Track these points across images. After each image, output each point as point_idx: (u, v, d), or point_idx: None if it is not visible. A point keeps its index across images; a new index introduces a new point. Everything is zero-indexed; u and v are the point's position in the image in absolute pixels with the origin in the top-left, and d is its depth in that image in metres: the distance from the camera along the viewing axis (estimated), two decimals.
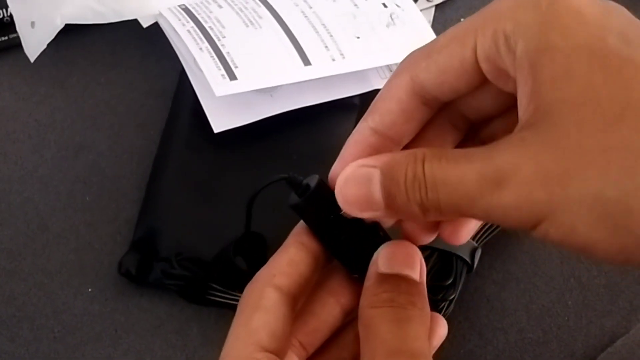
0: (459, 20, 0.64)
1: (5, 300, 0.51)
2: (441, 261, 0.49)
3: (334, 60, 0.54)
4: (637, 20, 0.27)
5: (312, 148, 0.56)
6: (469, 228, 0.32)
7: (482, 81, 0.29)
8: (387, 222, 0.33)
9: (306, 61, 0.53)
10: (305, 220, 0.32)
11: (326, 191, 0.32)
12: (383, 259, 0.31)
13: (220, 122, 0.52)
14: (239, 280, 0.45)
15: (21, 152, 0.56)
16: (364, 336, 0.30)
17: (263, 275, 0.31)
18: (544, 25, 0.26)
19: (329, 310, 0.33)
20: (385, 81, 0.58)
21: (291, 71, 0.53)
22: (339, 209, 0.30)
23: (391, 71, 0.58)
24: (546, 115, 0.25)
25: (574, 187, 0.25)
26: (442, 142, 0.33)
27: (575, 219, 0.25)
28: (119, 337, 0.50)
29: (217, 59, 0.51)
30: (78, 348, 0.50)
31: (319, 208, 0.31)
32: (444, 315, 0.49)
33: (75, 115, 0.58)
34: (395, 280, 0.30)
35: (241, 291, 0.32)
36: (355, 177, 0.29)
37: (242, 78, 0.51)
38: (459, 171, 0.26)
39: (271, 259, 0.32)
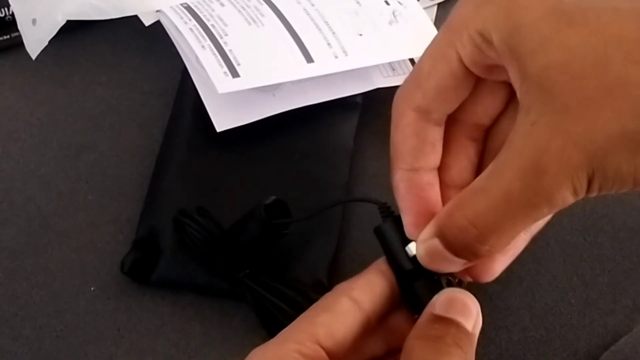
0: None
1: (7, 299, 0.51)
2: None
3: (336, 57, 0.54)
4: None
5: (314, 147, 0.56)
6: (502, 262, 0.34)
7: (476, 83, 0.31)
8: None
9: (309, 58, 0.53)
10: (382, 246, 0.34)
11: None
12: (441, 302, 0.31)
13: (222, 121, 0.52)
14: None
15: (23, 151, 0.56)
16: None
17: (342, 286, 0.32)
18: (506, 11, 0.28)
19: (377, 339, 0.34)
20: (387, 80, 0.59)
21: (294, 68, 0.53)
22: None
23: (394, 69, 0.58)
24: (539, 87, 0.27)
25: (600, 135, 0.26)
26: (466, 157, 0.34)
27: (617, 160, 0.26)
28: (121, 336, 0.50)
29: (219, 57, 0.51)
30: (80, 347, 0.49)
31: (396, 237, 0.33)
32: None
33: (77, 114, 0.58)
34: (448, 323, 0.31)
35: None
36: (427, 253, 0.31)
37: (244, 75, 0.51)
38: (499, 190, 0.28)
39: (351, 278, 0.33)
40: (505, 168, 0.27)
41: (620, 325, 0.51)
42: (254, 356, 0.31)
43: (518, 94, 0.28)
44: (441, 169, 0.34)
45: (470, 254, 0.29)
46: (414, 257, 0.32)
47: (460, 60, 0.30)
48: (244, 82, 0.51)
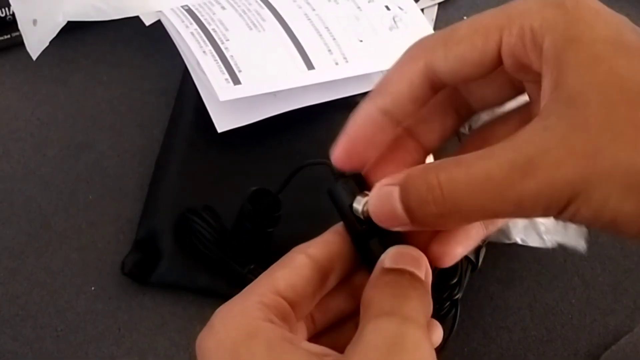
0: (462, 19, 0.64)
1: (8, 299, 0.51)
2: None
3: (337, 64, 0.54)
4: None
5: (315, 147, 0.56)
6: (458, 252, 0.33)
7: (494, 69, 0.30)
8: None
9: (310, 65, 0.53)
10: (336, 208, 0.34)
11: (358, 186, 0.33)
12: (390, 256, 0.32)
13: (223, 122, 0.52)
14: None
15: (23, 151, 0.56)
16: (362, 312, 0.30)
17: (298, 247, 0.33)
18: (570, 21, 0.28)
19: (344, 297, 0.34)
20: None
21: (295, 75, 0.53)
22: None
23: None
24: (570, 100, 0.27)
25: (604, 161, 0.25)
26: (442, 125, 0.34)
27: (607, 193, 0.26)
28: (122, 335, 0.50)
29: (220, 63, 0.51)
30: (81, 347, 0.49)
31: (348, 198, 0.33)
32: (448, 315, 0.49)
33: (77, 114, 0.58)
34: (400, 273, 0.31)
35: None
36: (379, 196, 0.30)
37: (245, 82, 0.51)
38: (482, 169, 0.27)
39: (308, 241, 0.34)
40: (498, 153, 0.27)
41: (621, 325, 0.51)
42: (220, 313, 0.31)
43: (543, 101, 0.28)
44: (414, 124, 0.34)
45: (419, 216, 0.29)
46: (367, 217, 0.32)
47: (499, 45, 0.29)
48: (245, 89, 0.51)
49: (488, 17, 0.30)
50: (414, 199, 0.29)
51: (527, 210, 0.27)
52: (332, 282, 0.33)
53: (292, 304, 0.31)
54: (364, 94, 0.56)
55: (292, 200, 0.49)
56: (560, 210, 0.26)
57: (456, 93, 0.34)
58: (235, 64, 0.51)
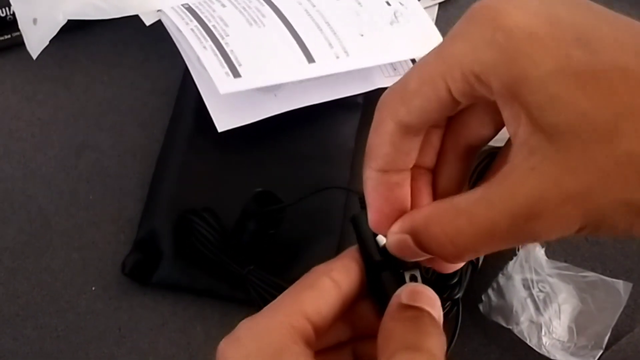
0: None
1: (9, 298, 0.51)
2: None
3: (338, 57, 0.54)
4: (580, 1, 0.28)
5: (315, 147, 0.56)
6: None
7: (461, 107, 0.31)
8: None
9: (310, 59, 0.53)
10: (356, 235, 0.35)
11: None
12: (406, 293, 0.32)
13: (224, 121, 0.52)
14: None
15: (24, 151, 0.56)
16: (383, 342, 0.31)
17: (321, 268, 0.33)
18: (510, 61, 0.27)
19: (343, 325, 0.35)
20: (389, 80, 0.59)
21: (295, 69, 0.53)
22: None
23: (395, 69, 0.58)
24: (547, 137, 0.26)
25: (604, 200, 0.26)
26: (432, 144, 0.34)
27: (614, 222, 0.26)
28: (122, 335, 0.50)
29: (220, 57, 0.51)
30: (81, 347, 0.49)
31: (369, 227, 0.33)
32: (449, 315, 0.49)
33: (78, 114, 0.58)
34: (420, 310, 0.32)
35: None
36: (396, 244, 0.32)
37: (246, 75, 0.51)
38: (486, 220, 0.28)
39: (327, 262, 0.34)
40: (497, 202, 0.28)
41: (621, 324, 0.51)
42: (247, 326, 0.31)
43: (514, 132, 0.28)
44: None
45: (439, 256, 0.30)
46: (383, 248, 0.33)
47: (449, 91, 0.29)
48: (246, 82, 0.51)
49: (430, 65, 0.30)
50: (427, 245, 0.30)
51: (544, 240, 0.28)
52: (346, 309, 0.34)
53: (315, 330, 0.32)
54: (364, 94, 0.57)
55: (294, 204, 0.49)
56: (576, 232, 0.27)
57: (454, 139, 0.34)
58: (236, 58, 0.51)
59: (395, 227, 0.32)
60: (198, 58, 0.51)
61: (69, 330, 0.50)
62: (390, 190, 0.33)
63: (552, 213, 0.26)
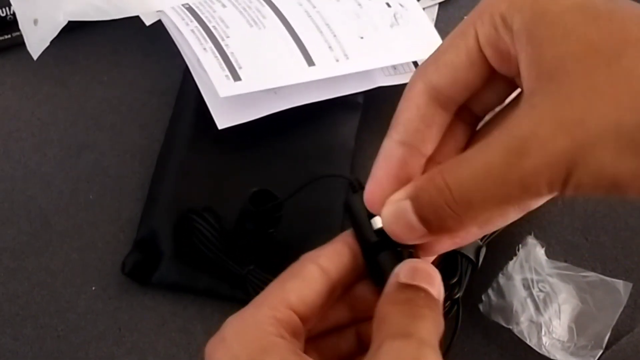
0: (462, 19, 0.64)
1: (9, 298, 0.51)
2: (446, 260, 0.49)
3: (337, 60, 0.54)
4: None
5: (316, 146, 0.56)
6: (446, 245, 0.33)
7: (490, 72, 0.31)
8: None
9: (310, 62, 0.53)
10: (350, 218, 0.34)
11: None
12: (405, 271, 0.31)
13: (224, 118, 0.52)
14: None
15: (24, 151, 0.56)
16: (377, 327, 0.30)
17: (309, 255, 0.33)
18: (535, 0, 0.29)
19: (343, 307, 0.34)
20: (389, 79, 0.59)
21: (295, 72, 0.53)
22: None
23: (395, 68, 0.58)
24: (550, 75, 0.27)
25: (594, 124, 0.26)
26: (456, 140, 0.34)
27: (603, 154, 0.26)
28: (122, 335, 0.50)
29: (221, 60, 0.51)
30: (81, 347, 0.49)
31: (363, 210, 0.33)
32: (449, 314, 0.49)
33: (78, 114, 0.58)
34: (416, 290, 0.31)
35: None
36: (393, 214, 0.31)
37: (246, 79, 0.51)
38: (482, 160, 0.28)
39: (317, 248, 0.34)
40: (493, 142, 0.28)
41: (622, 324, 0.51)
42: (232, 324, 0.31)
43: (525, 81, 0.28)
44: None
45: (435, 222, 0.29)
46: (379, 230, 0.32)
47: (477, 39, 0.30)
48: (246, 85, 0.51)
49: (465, 19, 0.31)
50: (427, 207, 0.29)
51: (533, 189, 0.27)
52: (338, 294, 0.33)
53: (302, 318, 0.31)
54: (365, 94, 0.57)
55: (291, 201, 0.49)
56: (563, 183, 0.27)
57: (462, 109, 0.34)
58: (236, 61, 0.51)
59: (397, 195, 0.31)
60: (198, 60, 0.52)
61: (69, 330, 0.50)
62: (400, 166, 0.32)
63: (542, 146, 0.26)
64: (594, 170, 0.26)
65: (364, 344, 0.34)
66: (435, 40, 0.58)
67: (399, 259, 0.32)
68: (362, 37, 0.56)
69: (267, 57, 0.53)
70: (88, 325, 0.50)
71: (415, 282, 0.31)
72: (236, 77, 0.51)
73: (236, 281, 0.50)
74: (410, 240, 0.31)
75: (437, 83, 0.31)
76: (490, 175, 0.28)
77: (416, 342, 0.29)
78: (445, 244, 0.33)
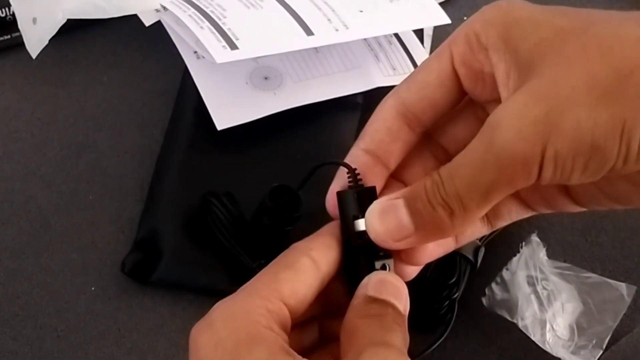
0: (463, 19, 0.64)
1: (9, 299, 0.51)
2: (445, 260, 0.49)
3: (337, 30, 0.53)
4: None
5: (315, 147, 0.56)
6: (429, 247, 0.34)
7: (458, 95, 0.32)
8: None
9: (308, 32, 0.52)
10: (340, 212, 0.33)
11: (368, 199, 0.33)
12: (373, 284, 0.32)
13: (223, 119, 0.52)
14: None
15: (24, 151, 0.56)
16: (346, 340, 0.30)
17: (300, 245, 0.33)
18: (507, 11, 0.30)
19: (313, 304, 0.34)
20: (388, 79, 0.59)
21: (294, 40, 0.51)
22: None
23: (394, 69, 0.58)
24: (527, 66, 0.28)
25: (566, 85, 0.27)
26: (425, 168, 0.35)
27: (578, 111, 0.26)
28: (122, 336, 0.50)
29: (217, 34, 0.50)
30: (81, 347, 0.49)
31: (354, 208, 0.33)
32: (447, 315, 0.49)
33: (78, 114, 0.58)
34: (384, 304, 0.31)
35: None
36: (383, 209, 0.31)
37: (243, 47, 0.50)
38: (466, 151, 0.29)
39: (307, 238, 0.33)
40: (479, 136, 0.29)
41: (621, 325, 0.51)
42: (220, 310, 0.30)
43: (506, 85, 0.30)
44: (398, 170, 0.35)
45: (427, 215, 0.30)
46: (363, 232, 0.32)
47: (451, 60, 0.32)
48: (243, 53, 0.49)
49: (442, 44, 0.33)
50: (421, 200, 0.30)
51: (508, 169, 0.28)
52: (323, 288, 0.33)
53: (291, 312, 0.31)
54: (364, 94, 0.57)
55: (310, 199, 0.48)
56: (540, 156, 0.27)
57: (432, 140, 0.35)
58: (233, 34, 0.50)
59: (388, 196, 0.31)
60: (197, 41, 0.51)
61: (69, 331, 0.50)
62: (364, 173, 0.33)
63: (513, 119, 0.27)
64: (571, 132, 0.26)
65: (324, 339, 0.34)
66: (436, 12, 0.57)
67: (372, 268, 0.32)
68: (361, 11, 0.55)
69: (264, 29, 0.52)
70: (87, 326, 0.50)
71: (382, 297, 0.31)
72: (233, 47, 0.50)
73: (239, 276, 0.49)
74: (392, 240, 0.31)
75: (405, 99, 0.33)
76: (471, 162, 0.28)
77: (398, 351, 0.29)
78: (426, 255, 0.33)
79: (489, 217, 0.35)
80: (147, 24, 0.55)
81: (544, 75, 0.27)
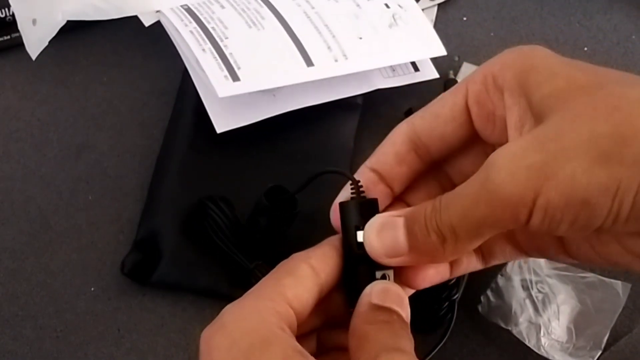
0: (462, 20, 0.65)
1: (8, 299, 0.51)
2: None
3: (336, 61, 0.54)
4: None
5: (315, 148, 0.56)
6: (427, 273, 0.34)
7: (469, 132, 0.33)
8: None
9: (309, 62, 0.53)
10: (341, 222, 0.34)
11: (369, 210, 0.34)
12: (377, 292, 0.32)
13: (222, 122, 0.52)
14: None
15: (23, 151, 0.56)
16: (356, 345, 0.31)
17: (300, 255, 0.33)
18: (526, 56, 0.31)
19: (314, 316, 0.34)
20: (388, 81, 0.59)
21: (294, 72, 0.53)
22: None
23: (394, 70, 0.58)
24: (538, 115, 0.29)
25: (568, 138, 0.27)
26: (428, 194, 0.36)
27: (575, 165, 0.27)
28: (121, 336, 0.50)
29: (219, 60, 0.51)
30: (81, 347, 0.50)
31: (356, 219, 0.34)
32: (447, 316, 0.49)
33: (78, 114, 0.58)
34: (389, 312, 0.32)
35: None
36: (382, 225, 0.32)
37: (245, 79, 0.51)
38: (465, 185, 0.29)
39: (307, 249, 0.34)
40: (478, 171, 0.29)
41: (620, 325, 0.51)
42: (231, 312, 0.31)
43: (517, 128, 0.30)
44: (404, 194, 0.36)
45: (422, 237, 0.30)
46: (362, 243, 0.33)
47: (466, 96, 0.32)
48: (244, 86, 0.51)
49: (461, 80, 0.34)
50: (419, 223, 0.30)
51: (498, 209, 0.28)
52: (323, 297, 0.33)
53: (297, 316, 0.31)
54: (364, 95, 0.57)
55: (306, 202, 0.49)
56: (532, 201, 0.27)
57: (440, 169, 0.36)
58: (235, 62, 0.51)
59: (391, 212, 0.32)
60: (197, 61, 0.52)
61: (68, 331, 0.50)
62: (367, 188, 0.34)
63: (510, 162, 0.28)
64: (565, 184, 0.27)
65: (323, 350, 0.35)
66: (434, 41, 0.58)
67: (373, 278, 0.33)
68: (360, 38, 0.56)
69: (266, 58, 0.53)
70: (87, 326, 0.50)
71: (387, 304, 0.32)
72: (235, 78, 0.51)
73: (238, 277, 0.50)
74: (386, 256, 0.32)
75: (417, 126, 0.34)
76: (467, 195, 0.29)
77: (412, 356, 0.30)
78: (425, 280, 0.34)
79: (483, 254, 0.35)
80: (147, 24, 0.55)
81: (550, 125, 0.28)
